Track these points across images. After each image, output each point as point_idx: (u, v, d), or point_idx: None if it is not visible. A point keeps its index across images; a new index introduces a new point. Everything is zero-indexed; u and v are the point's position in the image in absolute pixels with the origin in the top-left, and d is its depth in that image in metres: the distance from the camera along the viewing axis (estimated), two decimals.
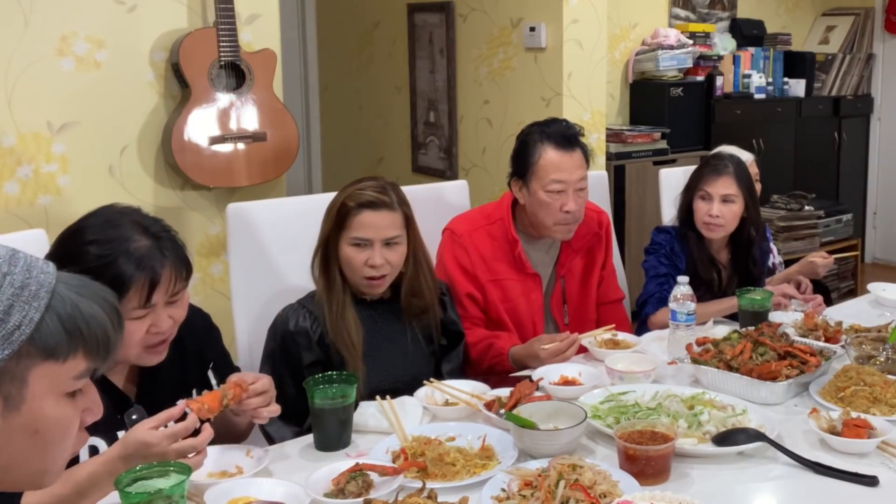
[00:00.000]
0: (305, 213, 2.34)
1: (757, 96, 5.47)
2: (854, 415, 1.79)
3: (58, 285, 1.00)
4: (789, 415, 1.92)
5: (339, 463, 1.65)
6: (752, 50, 5.57)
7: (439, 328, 2.26)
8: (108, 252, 1.62)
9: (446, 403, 1.99)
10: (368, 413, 1.90)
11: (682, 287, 2.33)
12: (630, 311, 2.92)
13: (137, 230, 1.67)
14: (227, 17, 3.05)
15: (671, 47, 5.10)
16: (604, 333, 2.36)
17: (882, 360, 2.10)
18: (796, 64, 5.74)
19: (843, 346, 2.22)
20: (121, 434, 1.63)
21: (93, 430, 1.22)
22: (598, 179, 2.94)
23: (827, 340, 2.29)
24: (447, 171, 4.91)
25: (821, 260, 2.87)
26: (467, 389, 2.01)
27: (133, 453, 1.50)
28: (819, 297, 2.72)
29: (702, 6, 5.61)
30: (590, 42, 4.19)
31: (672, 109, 5.01)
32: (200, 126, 3.07)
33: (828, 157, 5.92)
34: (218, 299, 3.18)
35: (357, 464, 1.61)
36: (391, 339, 2.18)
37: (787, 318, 2.48)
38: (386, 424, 1.86)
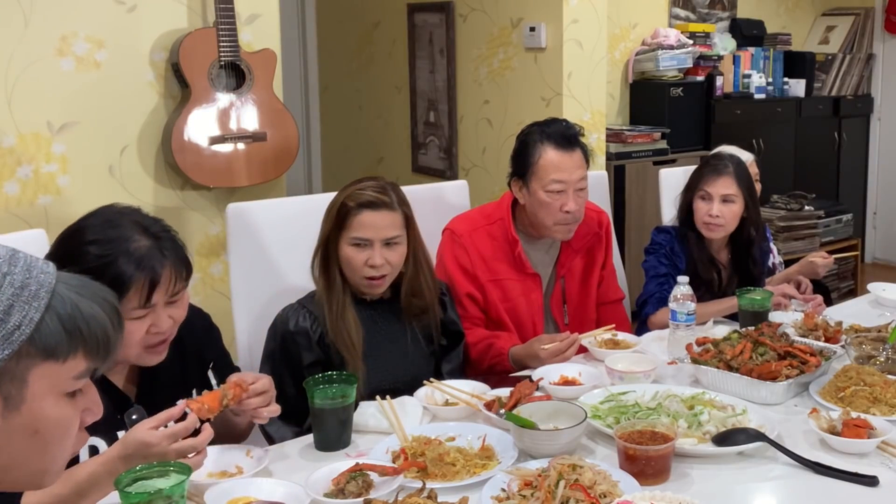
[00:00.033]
0: (305, 213, 2.34)
1: (757, 96, 5.47)
2: (854, 415, 1.79)
3: (58, 285, 1.00)
4: (789, 415, 1.92)
5: (339, 463, 1.65)
6: (752, 50, 5.57)
7: (439, 328, 2.26)
8: (109, 252, 1.62)
9: (446, 403, 1.99)
10: (368, 413, 1.90)
11: (682, 287, 2.33)
12: (630, 311, 2.92)
13: (138, 230, 1.67)
14: (227, 17, 3.05)
15: (671, 47, 5.10)
16: (604, 333, 2.36)
17: (882, 360, 2.10)
18: (796, 64, 5.74)
19: (843, 346, 2.22)
20: (121, 434, 1.63)
21: (93, 430, 1.22)
22: (598, 179, 2.94)
23: (827, 340, 2.29)
24: (447, 171, 4.91)
25: (821, 260, 2.87)
26: (467, 389, 2.01)
27: (133, 453, 1.50)
28: (819, 297, 2.72)
29: (702, 6, 5.61)
30: (590, 42, 4.19)
31: (672, 109, 5.01)
32: (200, 126, 3.07)
33: (828, 157, 5.92)
34: (218, 299, 3.18)
35: (357, 464, 1.61)
36: (391, 339, 2.18)
37: (787, 318, 2.48)
38: (386, 424, 1.86)
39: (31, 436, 0.99)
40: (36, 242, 2.03)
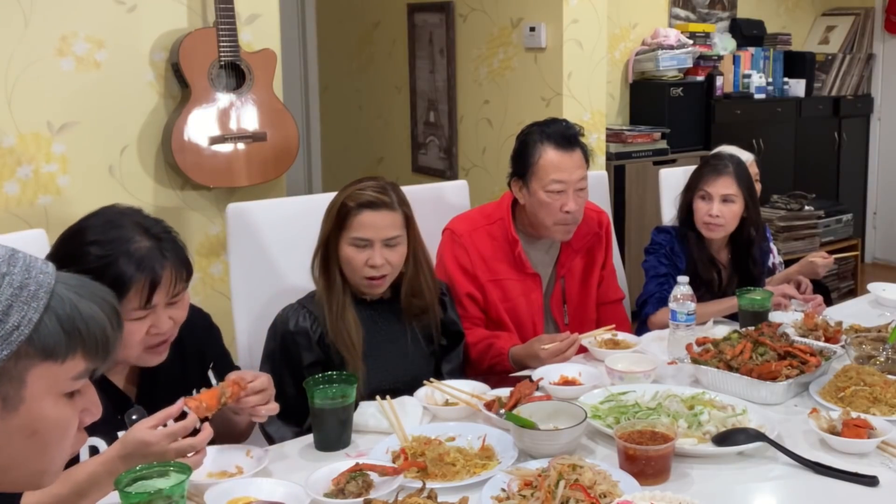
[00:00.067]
0: (305, 213, 2.34)
1: (757, 96, 5.47)
2: (854, 415, 1.79)
3: (57, 285, 0.99)
4: (789, 415, 1.92)
5: (339, 463, 1.65)
6: (752, 50, 5.57)
7: (439, 328, 2.26)
8: (109, 253, 1.62)
9: (446, 403, 1.99)
10: (368, 413, 1.90)
11: (682, 287, 2.33)
12: (630, 311, 2.92)
13: (138, 231, 1.67)
14: (227, 17, 3.05)
15: (671, 47, 5.10)
16: (604, 333, 2.36)
17: (882, 360, 2.10)
18: (796, 64, 5.74)
19: (843, 346, 2.22)
20: (121, 434, 1.63)
21: (93, 430, 1.22)
22: (598, 179, 2.94)
23: (827, 340, 2.29)
24: (447, 171, 4.91)
25: (821, 260, 2.87)
26: (467, 389, 2.01)
27: (132, 452, 1.50)
28: (819, 297, 2.72)
29: (702, 6, 5.61)
30: (590, 42, 4.19)
31: (672, 109, 5.01)
32: (200, 126, 3.07)
33: (828, 157, 5.92)
34: (218, 299, 3.18)
35: (357, 464, 1.61)
36: (391, 339, 2.18)
37: (787, 318, 2.48)
38: (386, 424, 1.86)
39: (30, 436, 0.99)
40: (36, 242, 2.03)
